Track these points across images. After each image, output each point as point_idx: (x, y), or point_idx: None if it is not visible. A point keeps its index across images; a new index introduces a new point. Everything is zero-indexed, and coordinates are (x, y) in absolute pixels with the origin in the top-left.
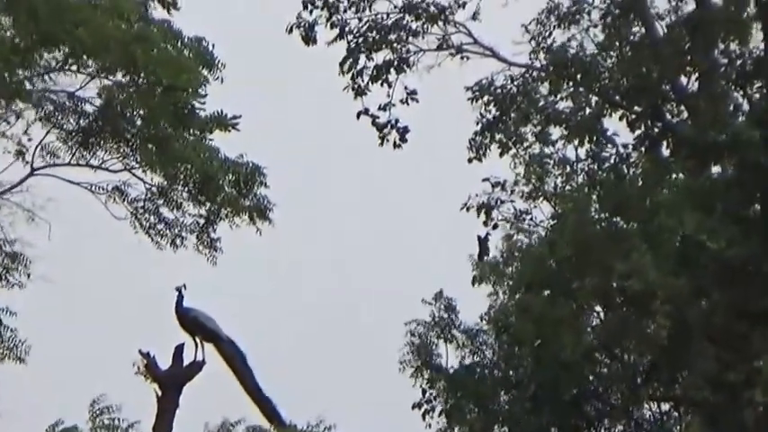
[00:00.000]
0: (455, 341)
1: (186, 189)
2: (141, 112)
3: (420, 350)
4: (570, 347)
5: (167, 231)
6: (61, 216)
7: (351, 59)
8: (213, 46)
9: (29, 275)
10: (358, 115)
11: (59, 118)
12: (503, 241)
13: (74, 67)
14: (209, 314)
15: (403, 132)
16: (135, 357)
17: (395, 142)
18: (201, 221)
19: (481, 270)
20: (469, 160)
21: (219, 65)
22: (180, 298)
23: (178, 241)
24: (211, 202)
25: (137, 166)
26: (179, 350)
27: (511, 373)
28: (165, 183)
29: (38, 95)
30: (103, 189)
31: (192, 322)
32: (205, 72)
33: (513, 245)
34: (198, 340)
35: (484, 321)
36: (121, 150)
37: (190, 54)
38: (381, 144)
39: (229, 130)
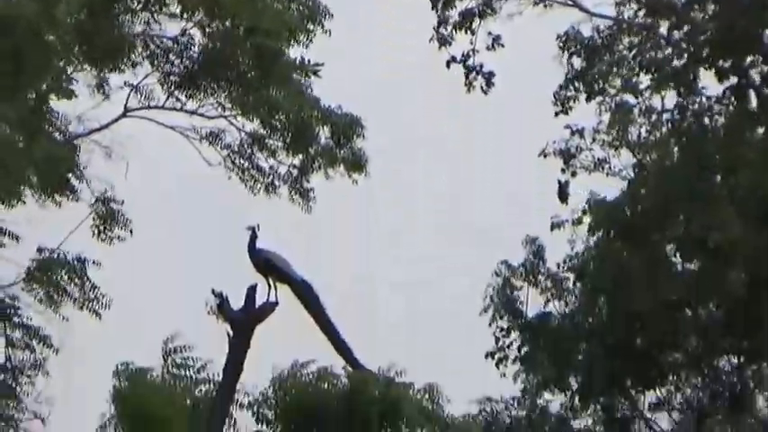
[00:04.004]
0: (539, 286)
1: (282, 138)
2: (238, 57)
3: (501, 292)
4: (646, 297)
5: (261, 178)
6: (150, 157)
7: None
8: None
9: (131, 232)
10: (448, 64)
11: (161, 61)
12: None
13: (155, 7)
14: (282, 255)
15: (489, 78)
16: (208, 297)
17: (482, 87)
18: (295, 171)
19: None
20: (556, 114)
21: (326, 16)
22: (253, 238)
23: (271, 189)
24: (306, 151)
25: (233, 113)
26: (252, 291)
27: (588, 321)
28: (261, 130)
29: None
30: (197, 133)
31: (265, 263)
32: (311, 26)
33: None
34: (271, 281)
35: (561, 268)
36: (216, 97)
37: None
38: (468, 91)
39: (309, 77)
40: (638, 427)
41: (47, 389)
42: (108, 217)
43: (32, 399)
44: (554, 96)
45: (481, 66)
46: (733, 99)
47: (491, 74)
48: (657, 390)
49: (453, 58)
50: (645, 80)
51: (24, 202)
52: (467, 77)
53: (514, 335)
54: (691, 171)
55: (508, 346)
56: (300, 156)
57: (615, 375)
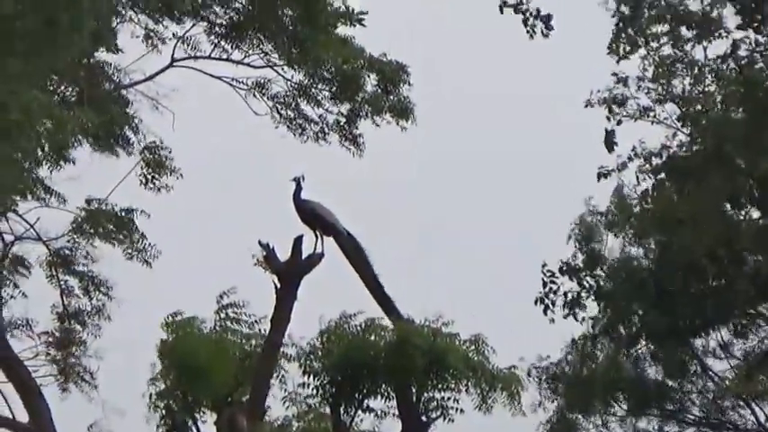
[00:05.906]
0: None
1: (328, 88)
2: (283, 7)
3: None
4: (693, 245)
5: (309, 126)
6: (196, 107)
7: None
8: None
9: (180, 176)
10: (500, 9)
11: (207, 11)
12: None
13: None
14: (327, 207)
15: (547, 20)
16: (255, 249)
17: (542, 32)
18: (343, 120)
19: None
20: (618, 61)
21: None
22: (298, 189)
23: (321, 136)
24: (354, 100)
25: (279, 63)
26: (298, 242)
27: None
28: (307, 81)
29: None
30: (244, 84)
31: (311, 214)
32: None
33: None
34: (318, 233)
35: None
36: (263, 47)
37: None
38: (531, 37)
39: (355, 25)
40: (696, 371)
41: (95, 341)
42: (156, 165)
43: (82, 351)
44: (608, 48)
45: (538, 10)
46: None
47: (549, 16)
48: (716, 336)
49: (505, 2)
50: (688, 33)
51: (74, 162)
52: (525, 23)
53: (562, 279)
54: (746, 120)
55: (555, 292)
56: (348, 105)
57: (663, 324)
